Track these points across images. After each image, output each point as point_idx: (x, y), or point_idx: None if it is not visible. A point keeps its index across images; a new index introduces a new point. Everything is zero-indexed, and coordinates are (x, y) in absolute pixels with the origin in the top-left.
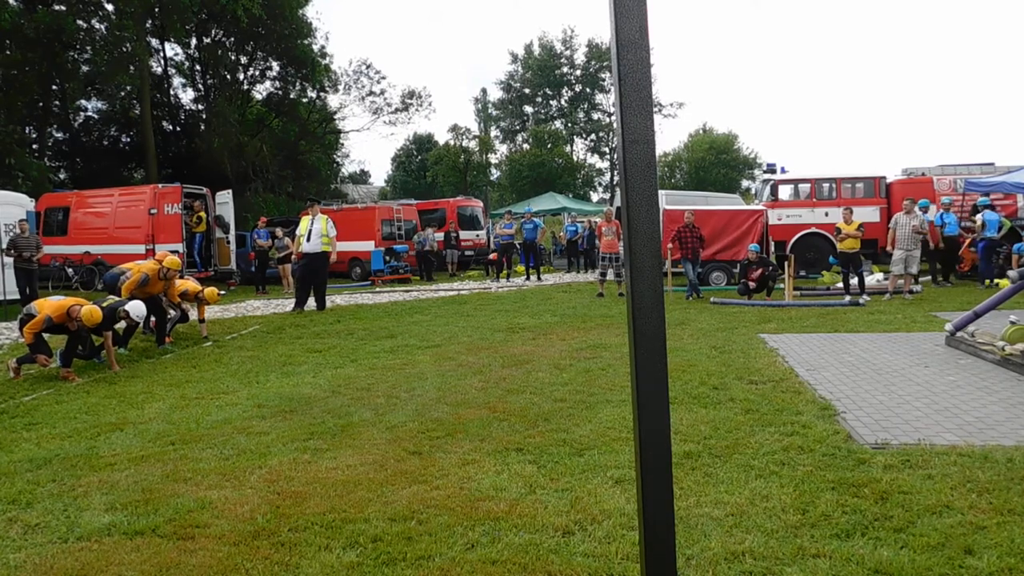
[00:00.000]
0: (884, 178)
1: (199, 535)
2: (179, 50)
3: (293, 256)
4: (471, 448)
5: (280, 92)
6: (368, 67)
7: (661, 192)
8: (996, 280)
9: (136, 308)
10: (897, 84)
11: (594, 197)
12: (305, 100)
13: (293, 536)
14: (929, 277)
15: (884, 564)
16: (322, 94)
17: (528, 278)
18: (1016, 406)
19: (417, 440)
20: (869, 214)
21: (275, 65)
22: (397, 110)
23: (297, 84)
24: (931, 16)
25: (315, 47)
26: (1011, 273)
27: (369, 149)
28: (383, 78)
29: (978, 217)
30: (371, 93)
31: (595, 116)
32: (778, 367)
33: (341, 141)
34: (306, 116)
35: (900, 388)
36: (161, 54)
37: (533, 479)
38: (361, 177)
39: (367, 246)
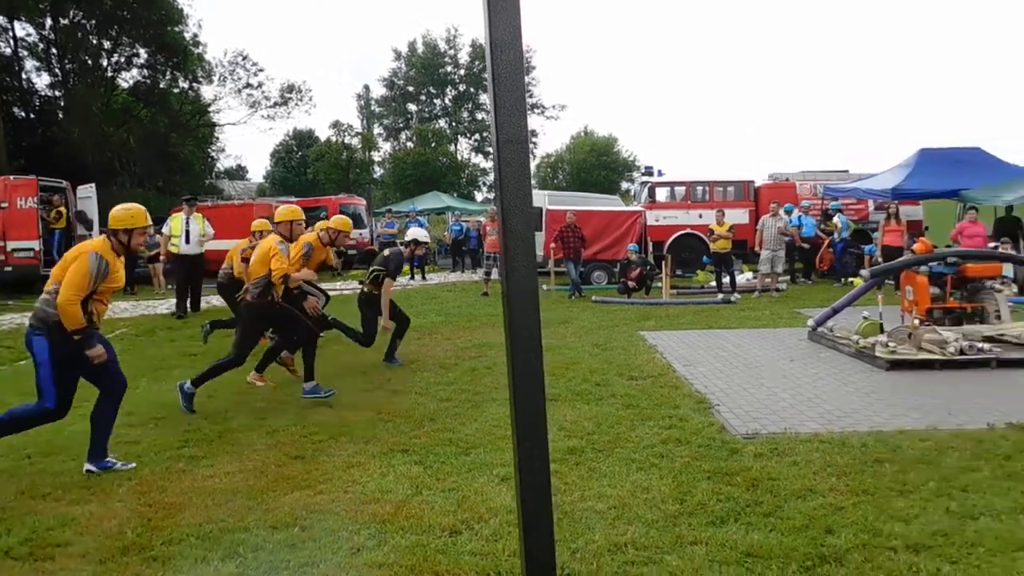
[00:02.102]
0: (752, 182)
1: (60, 555)
2: (32, 30)
3: (162, 256)
4: (356, 451)
5: (149, 81)
6: (245, 58)
7: (544, 193)
8: (851, 279)
9: None
10: (763, 93)
11: (478, 197)
12: (176, 90)
13: (167, 550)
14: (789, 276)
15: (755, 547)
16: (195, 85)
17: (412, 278)
18: (869, 395)
19: (299, 444)
20: (739, 216)
21: (143, 52)
22: (276, 104)
23: (167, 73)
24: (794, 29)
25: (187, 35)
26: (863, 272)
27: (246, 144)
28: (261, 70)
29: (837, 220)
30: (248, 86)
31: (479, 116)
32: (657, 363)
33: (216, 135)
34: (178, 107)
35: (768, 381)
36: (10, 33)
37: (419, 480)
38: (238, 172)
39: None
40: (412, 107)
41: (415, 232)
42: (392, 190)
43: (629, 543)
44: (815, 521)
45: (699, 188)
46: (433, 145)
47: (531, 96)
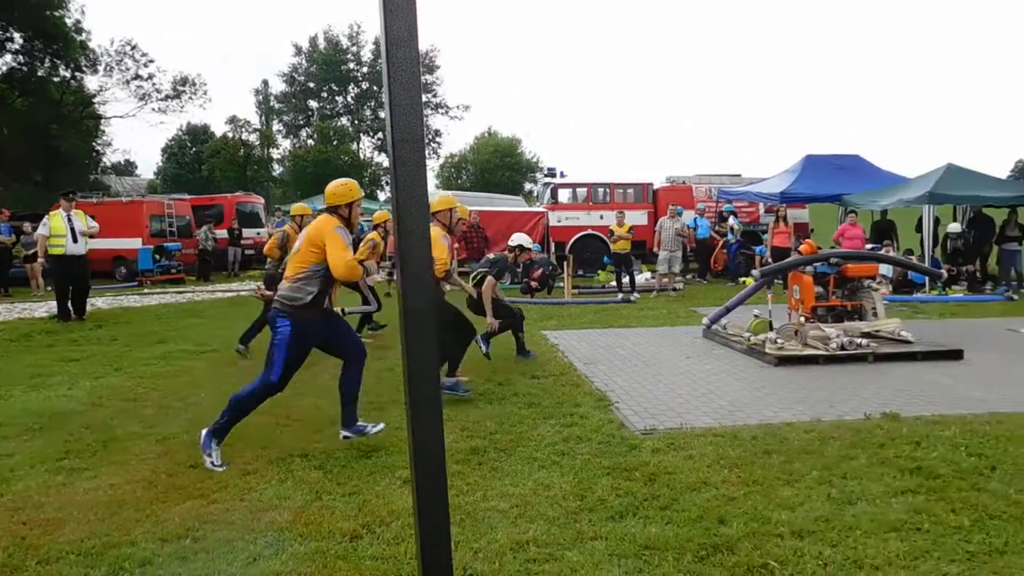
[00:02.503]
0: (651, 184)
1: None
2: None
3: (40, 257)
4: (252, 457)
5: (25, 68)
6: (133, 48)
7: (448, 193)
8: (743, 279)
9: None
10: (661, 97)
11: (381, 196)
12: (57, 79)
13: (43, 569)
14: (690, 275)
15: (653, 540)
16: (78, 74)
17: None
18: (759, 390)
19: (192, 452)
20: (638, 217)
21: (17, 36)
22: (168, 97)
23: (47, 60)
24: (690, 37)
25: (68, 20)
26: (754, 272)
27: (136, 138)
28: (151, 61)
29: (734, 223)
30: (137, 77)
31: (382, 114)
32: (559, 362)
33: (102, 128)
34: (58, 97)
35: (666, 378)
36: None
37: (319, 485)
38: (126, 168)
39: (133, 243)
40: (313, 104)
41: (520, 238)
42: (292, 188)
43: (531, 541)
44: (709, 512)
45: (600, 190)
46: (335, 143)
47: (435, 96)
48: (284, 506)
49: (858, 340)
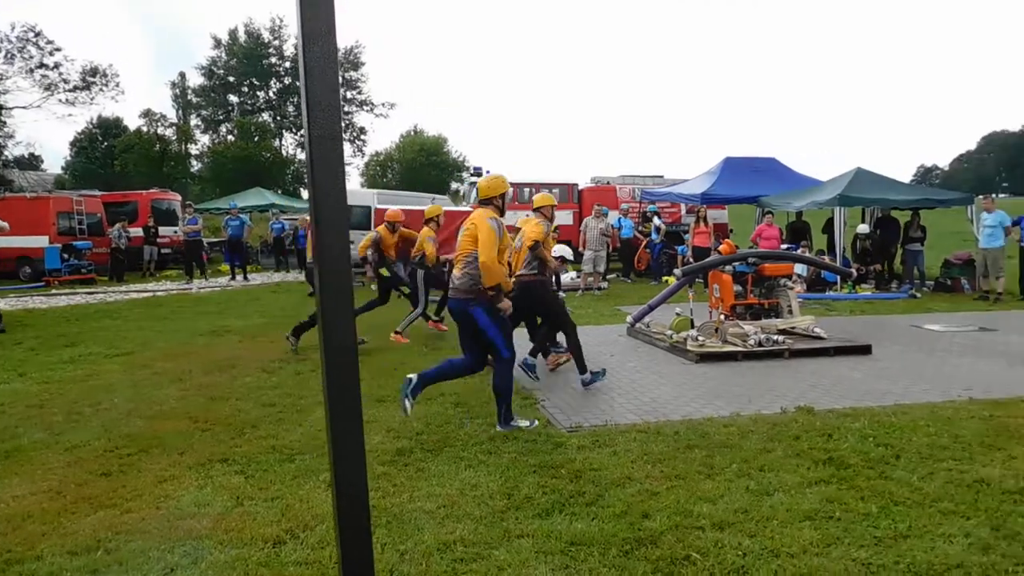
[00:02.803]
0: (576, 185)
1: None
2: None
3: None
4: (169, 463)
5: None
6: (37, 35)
7: (372, 192)
8: (665, 277)
9: None
10: (586, 99)
11: (304, 194)
12: None
13: None
14: (614, 275)
15: (578, 536)
16: None
17: (234, 278)
18: (681, 386)
19: (104, 460)
20: (564, 217)
21: None
22: (76, 88)
23: None
24: (615, 40)
25: None
26: (676, 271)
27: (41, 131)
28: (57, 49)
29: (659, 223)
30: (42, 66)
31: None
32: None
33: (2, 118)
34: None
35: None
36: None
37: (240, 490)
38: (31, 162)
39: (40, 242)
40: (233, 98)
41: (561, 249)
42: (211, 185)
43: (458, 541)
44: (633, 507)
45: (526, 190)
46: (256, 139)
47: (360, 93)
48: (203, 513)
49: (775, 337)
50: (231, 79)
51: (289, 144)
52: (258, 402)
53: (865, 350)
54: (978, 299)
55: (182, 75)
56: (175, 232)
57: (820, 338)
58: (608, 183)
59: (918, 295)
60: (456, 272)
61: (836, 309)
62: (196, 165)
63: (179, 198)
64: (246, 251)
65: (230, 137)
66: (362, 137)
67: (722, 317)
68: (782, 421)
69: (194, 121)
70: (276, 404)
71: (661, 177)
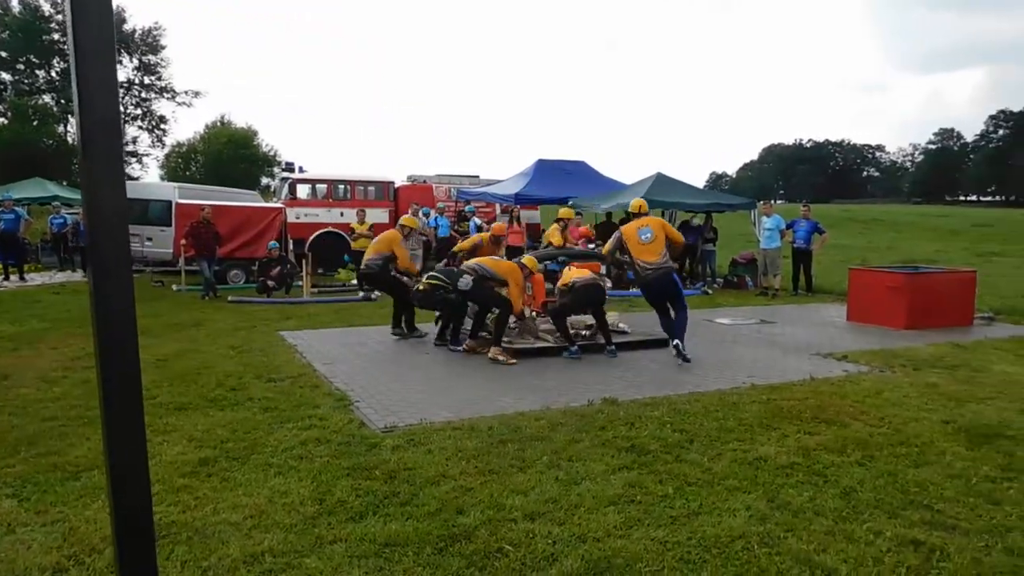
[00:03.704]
0: (393, 183)
1: None
2: None
3: None
4: None
5: None
6: None
7: (173, 185)
8: None
9: None
10: (401, 96)
11: None
12: None
13: None
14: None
15: (393, 537)
16: None
17: (7, 278)
18: (495, 382)
19: None
20: (379, 216)
21: None
22: None
23: None
24: (425, 38)
25: None
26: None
27: None
28: None
29: (479, 222)
30: None
31: None
32: (297, 363)
33: None
34: None
35: (406, 374)
36: None
37: (12, 516)
38: None
39: None
40: (6, 76)
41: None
42: None
43: (266, 552)
44: (447, 504)
45: (341, 187)
46: (35, 123)
47: (160, 79)
48: None
49: (583, 332)
50: (3, 54)
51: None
52: (36, 416)
53: (664, 343)
54: (759, 295)
55: None
56: None
57: (624, 332)
58: (425, 181)
59: (710, 292)
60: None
61: (638, 306)
62: None
63: None
64: (23, 248)
65: (2, 120)
66: (162, 126)
67: (534, 314)
68: (589, 412)
69: None
70: (58, 417)
71: (477, 177)
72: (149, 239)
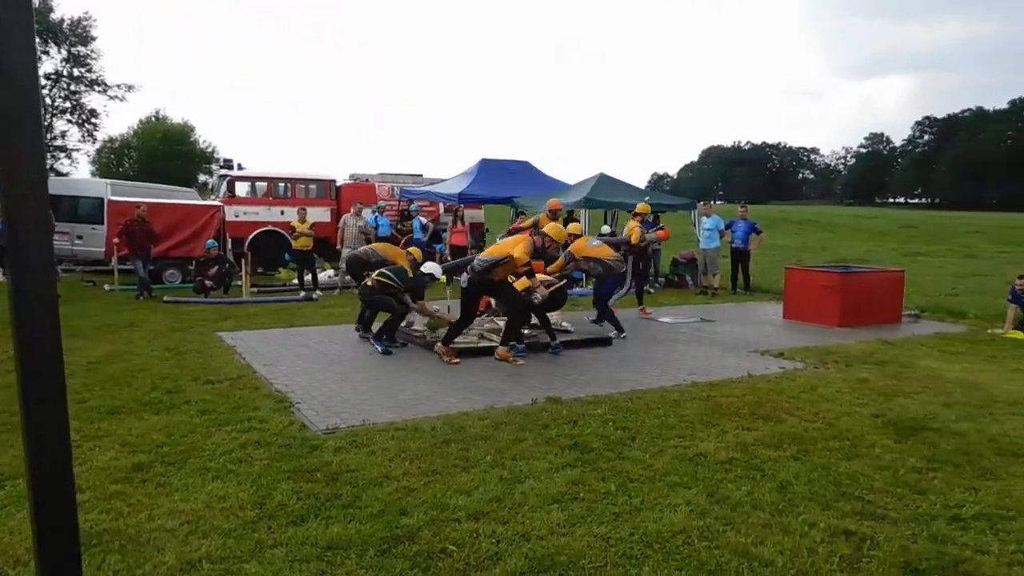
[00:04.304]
0: (334, 181)
1: None
2: None
3: None
4: None
5: None
6: None
7: (106, 182)
8: None
9: None
10: (344, 94)
11: None
12: None
13: None
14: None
15: (335, 540)
16: None
17: None
18: (439, 382)
19: None
20: (321, 214)
21: None
22: None
23: None
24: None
25: None
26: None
27: None
28: None
29: (425, 221)
30: None
31: None
32: (236, 364)
33: None
34: None
35: (348, 375)
36: None
37: None
38: None
39: None
40: None
41: (431, 267)
42: None
43: (204, 558)
44: (391, 505)
45: (281, 184)
46: None
47: (90, 71)
48: None
49: (527, 331)
50: None
51: None
52: None
53: (606, 342)
54: (700, 294)
55: None
56: None
57: (568, 331)
58: (367, 180)
59: (652, 290)
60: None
61: (581, 304)
62: None
63: None
64: None
65: None
66: (93, 120)
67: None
68: (533, 411)
69: None
70: None
71: (420, 176)
72: (79, 237)
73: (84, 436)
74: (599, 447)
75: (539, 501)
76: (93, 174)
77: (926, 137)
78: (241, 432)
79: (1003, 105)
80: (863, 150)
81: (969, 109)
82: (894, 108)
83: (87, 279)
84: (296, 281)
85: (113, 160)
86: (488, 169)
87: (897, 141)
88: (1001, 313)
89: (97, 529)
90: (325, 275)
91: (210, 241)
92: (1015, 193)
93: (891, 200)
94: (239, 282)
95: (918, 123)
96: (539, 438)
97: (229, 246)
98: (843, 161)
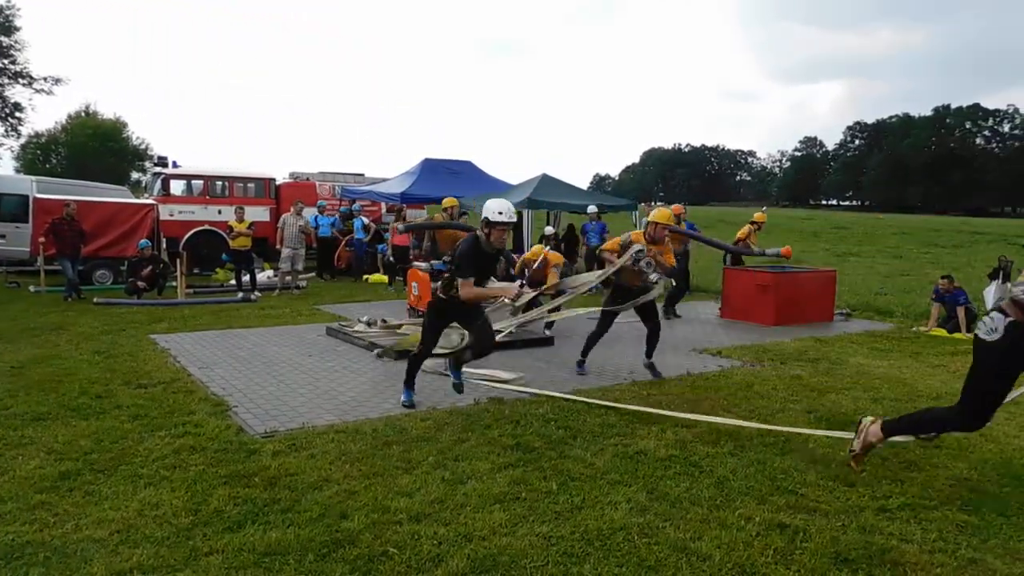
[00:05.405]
0: (274, 180)
1: None
2: None
3: None
4: None
5: None
6: None
7: (31, 179)
8: (367, 276)
9: None
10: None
11: None
12: None
13: None
14: (313, 273)
15: (273, 545)
16: None
17: None
18: (379, 383)
19: None
20: (260, 213)
21: None
22: None
23: None
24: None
25: None
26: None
27: None
28: None
29: (367, 221)
30: None
31: None
32: (170, 368)
33: None
34: None
35: (288, 378)
36: None
37: None
38: None
39: None
40: None
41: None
42: None
43: (135, 568)
44: (331, 509)
45: (218, 183)
46: None
47: (14, 63)
48: None
49: (514, 329)
50: None
51: None
52: None
53: (548, 342)
54: None
55: None
56: None
57: (509, 332)
58: (308, 179)
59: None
60: None
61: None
62: None
63: None
64: None
65: None
66: (17, 115)
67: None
68: (475, 412)
69: None
70: None
71: (362, 175)
72: (2, 236)
73: (7, 444)
74: (541, 447)
75: (481, 501)
76: (17, 171)
77: (857, 141)
78: (175, 437)
79: (927, 112)
80: (798, 153)
81: (896, 115)
82: (827, 113)
83: (11, 280)
84: (234, 282)
85: (40, 156)
86: (431, 169)
87: (830, 145)
88: (925, 312)
89: (20, 541)
90: (264, 275)
91: (143, 241)
92: (936, 195)
93: (824, 202)
94: (174, 283)
95: (849, 128)
96: (481, 438)
97: (164, 246)
98: (779, 164)
